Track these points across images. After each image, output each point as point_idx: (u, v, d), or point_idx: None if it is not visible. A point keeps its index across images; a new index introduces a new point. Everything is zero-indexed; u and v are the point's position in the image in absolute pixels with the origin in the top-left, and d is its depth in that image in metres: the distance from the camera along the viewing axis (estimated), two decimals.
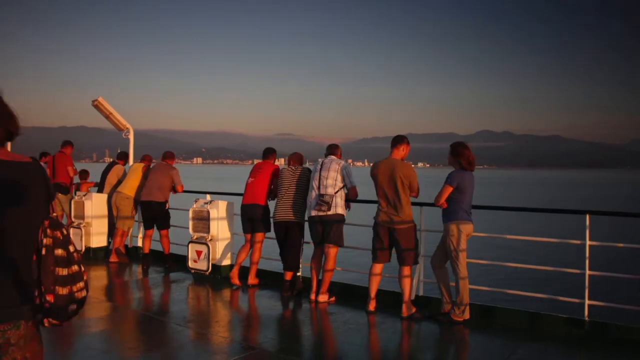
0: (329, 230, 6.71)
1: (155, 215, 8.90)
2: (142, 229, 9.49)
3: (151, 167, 9.39)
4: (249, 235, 7.63)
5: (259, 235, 7.60)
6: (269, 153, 7.86)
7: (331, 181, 6.68)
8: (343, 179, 6.72)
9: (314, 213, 6.75)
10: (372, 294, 6.30)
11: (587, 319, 5.52)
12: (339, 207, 6.70)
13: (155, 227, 9.01)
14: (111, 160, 10.47)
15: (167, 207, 8.95)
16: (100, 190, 10.19)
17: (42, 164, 11.03)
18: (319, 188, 6.71)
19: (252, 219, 7.55)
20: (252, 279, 7.56)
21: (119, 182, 9.72)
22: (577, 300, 5.69)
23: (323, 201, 6.60)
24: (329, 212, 6.65)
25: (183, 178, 9.09)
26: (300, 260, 7.34)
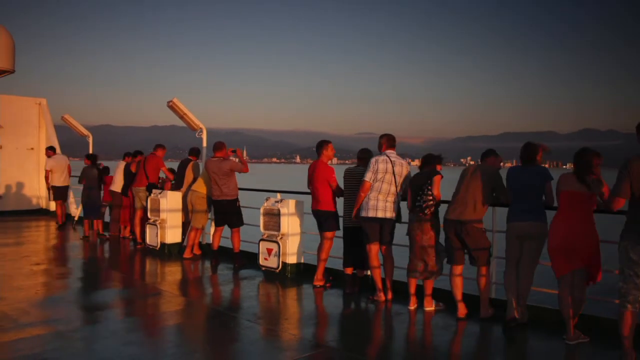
0: (386, 231, 6.69)
1: (227, 212, 9.01)
2: (212, 225, 9.69)
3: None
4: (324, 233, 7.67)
5: (327, 234, 7.60)
6: (320, 148, 7.70)
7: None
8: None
9: (381, 214, 6.60)
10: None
11: None
12: (394, 211, 6.68)
13: (226, 225, 9.16)
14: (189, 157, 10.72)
15: (238, 204, 9.08)
16: (178, 186, 10.49)
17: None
18: (402, 187, 6.62)
19: (319, 221, 7.67)
20: (317, 279, 7.57)
21: (195, 178, 9.96)
22: None
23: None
24: (387, 216, 6.61)
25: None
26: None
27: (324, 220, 7.58)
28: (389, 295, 6.74)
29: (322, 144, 7.72)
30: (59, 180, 13.61)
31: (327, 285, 7.54)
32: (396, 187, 6.61)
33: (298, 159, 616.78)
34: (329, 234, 7.58)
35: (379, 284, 6.77)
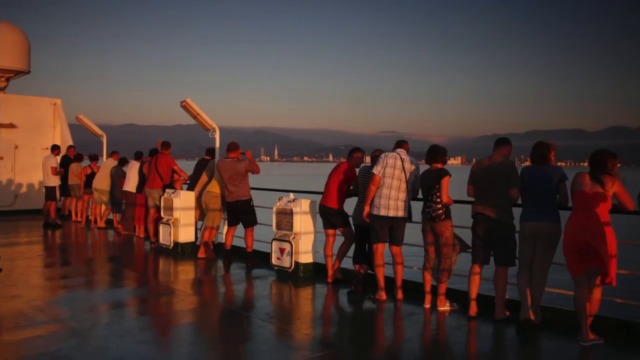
0: (397, 230, 6.65)
1: (242, 213, 8.99)
2: (226, 225, 9.70)
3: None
4: (329, 231, 7.73)
5: (343, 231, 7.66)
6: (351, 152, 7.89)
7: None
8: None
9: (392, 213, 6.59)
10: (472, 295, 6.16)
11: None
12: (405, 209, 6.66)
13: (240, 224, 9.18)
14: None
15: (252, 204, 9.07)
16: (192, 185, 10.52)
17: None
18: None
19: (327, 218, 7.71)
20: (331, 276, 7.64)
21: (210, 178, 9.97)
22: None
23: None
24: (399, 215, 6.59)
25: None
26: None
27: (333, 217, 7.61)
28: (399, 295, 6.71)
29: (353, 150, 7.91)
30: (45, 181, 13.94)
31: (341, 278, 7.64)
32: (407, 183, 6.57)
33: (331, 158, 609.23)
34: (345, 231, 7.64)
35: (382, 283, 6.75)
